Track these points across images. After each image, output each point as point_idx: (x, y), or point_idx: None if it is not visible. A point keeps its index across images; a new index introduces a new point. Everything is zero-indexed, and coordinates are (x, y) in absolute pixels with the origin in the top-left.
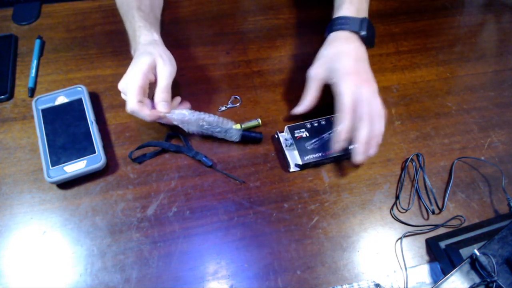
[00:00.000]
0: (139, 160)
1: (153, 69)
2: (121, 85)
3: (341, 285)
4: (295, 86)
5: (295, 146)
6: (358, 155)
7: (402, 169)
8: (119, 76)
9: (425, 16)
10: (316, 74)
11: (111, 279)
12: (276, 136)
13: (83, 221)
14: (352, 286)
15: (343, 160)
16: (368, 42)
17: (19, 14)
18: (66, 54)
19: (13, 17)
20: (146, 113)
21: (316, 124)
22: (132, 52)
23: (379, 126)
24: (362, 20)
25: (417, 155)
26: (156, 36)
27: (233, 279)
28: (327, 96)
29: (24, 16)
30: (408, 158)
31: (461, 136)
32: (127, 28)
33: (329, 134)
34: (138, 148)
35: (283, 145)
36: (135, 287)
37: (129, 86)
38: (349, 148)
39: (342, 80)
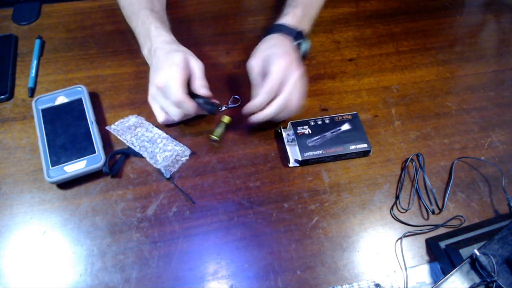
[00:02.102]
0: (114, 171)
1: (187, 65)
2: (160, 81)
3: (341, 285)
4: None
5: (296, 141)
6: (246, 110)
7: (402, 169)
8: (119, 76)
9: (425, 16)
10: (254, 64)
11: (111, 279)
12: (279, 131)
13: (83, 221)
14: (352, 286)
15: (343, 159)
16: (302, 52)
17: (19, 14)
18: (66, 54)
19: (13, 17)
20: (191, 104)
21: (320, 122)
22: (146, 52)
23: (287, 112)
24: (299, 32)
25: (417, 155)
26: (172, 36)
27: (233, 279)
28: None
29: (24, 16)
30: (408, 158)
31: (461, 136)
32: (136, 27)
33: (332, 133)
34: (110, 158)
35: (285, 140)
36: (135, 287)
37: (172, 80)
38: (351, 148)
39: (274, 62)
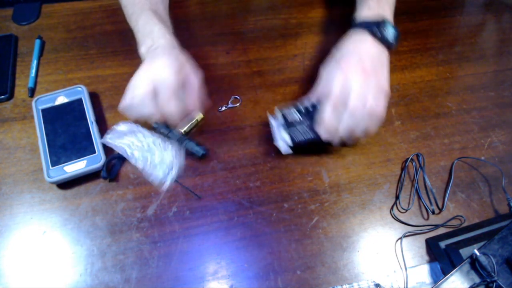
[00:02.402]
0: (112, 175)
1: (182, 74)
2: (151, 79)
3: (341, 285)
4: (295, 86)
5: (286, 128)
6: (335, 142)
7: (402, 169)
8: (119, 76)
9: (425, 16)
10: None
11: (111, 279)
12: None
13: (83, 221)
14: (352, 286)
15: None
16: (390, 40)
17: (19, 14)
18: (66, 54)
19: (13, 17)
20: (173, 108)
21: (308, 105)
22: (144, 49)
23: (368, 124)
24: (380, 22)
25: (417, 155)
26: (174, 38)
27: (233, 279)
28: None
29: (24, 16)
30: (408, 158)
31: (461, 136)
32: (136, 26)
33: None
34: (108, 162)
35: (275, 128)
36: (135, 287)
37: (165, 82)
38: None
39: (336, 67)
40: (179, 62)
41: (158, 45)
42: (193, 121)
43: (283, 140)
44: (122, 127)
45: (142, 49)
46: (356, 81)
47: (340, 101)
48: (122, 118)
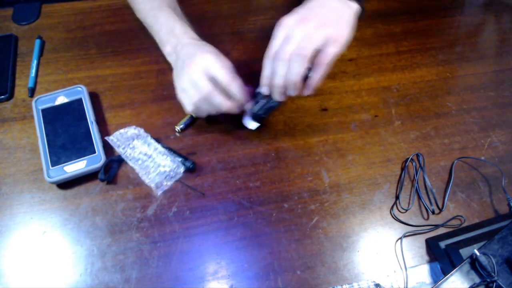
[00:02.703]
0: (109, 178)
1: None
2: (200, 64)
3: (341, 285)
4: None
5: (249, 116)
6: (275, 95)
7: (402, 169)
8: (119, 76)
9: (425, 16)
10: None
11: (111, 279)
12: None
13: (83, 221)
14: (352, 286)
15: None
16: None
17: (19, 14)
18: (66, 54)
19: (13, 17)
20: (239, 86)
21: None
22: (169, 49)
23: (294, 69)
24: None
25: (417, 155)
26: (198, 37)
27: (233, 279)
28: (330, 100)
29: (24, 16)
30: (408, 158)
31: (461, 136)
32: (155, 24)
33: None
34: (106, 165)
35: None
36: (135, 287)
37: (212, 63)
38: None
39: (285, 19)
40: (212, 48)
41: (185, 42)
42: (187, 117)
43: (246, 120)
44: (126, 130)
45: (167, 49)
46: (297, 30)
47: (276, 51)
48: (122, 118)
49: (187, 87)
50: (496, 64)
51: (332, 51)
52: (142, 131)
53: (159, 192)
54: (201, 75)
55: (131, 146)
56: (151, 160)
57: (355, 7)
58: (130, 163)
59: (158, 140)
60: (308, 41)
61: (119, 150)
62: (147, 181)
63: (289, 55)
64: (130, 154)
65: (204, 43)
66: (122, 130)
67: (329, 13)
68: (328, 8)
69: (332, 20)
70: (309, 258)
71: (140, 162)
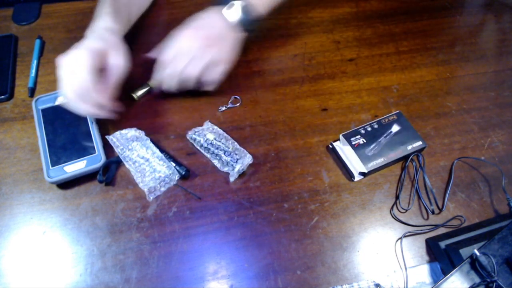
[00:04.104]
0: (108, 179)
1: (102, 57)
2: (66, 61)
3: (341, 285)
4: (295, 86)
5: (356, 154)
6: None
7: (402, 169)
8: None
9: (425, 16)
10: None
11: (111, 279)
12: (331, 146)
13: (83, 221)
14: (352, 286)
15: (401, 161)
16: (239, 20)
17: (19, 14)
18: None
19: (13, 17)
20: (99, 96)
21: (369, 129)
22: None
23: (181, 84)
24: (234, 2)
25: (417, 155)
26: (117, 27)
27: (233, 279)
28: (330, 100)
29: (24, 16)
30: (408, 158)
31: (461, 136)
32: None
33: (385, 137)
34: (104, 166)
35: (342, 155)
36: (135, 287)
37: (79, 62)
38: (408, 148)
39: (177, 34)
40: (97, 44)
41: (92, 29)
42: (145, 86)
43: (353, 167)
44: (127, 131)
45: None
46: (187, 47)
47: (168, 63)
48: (122, 118)
49: (58, 78)
50: (496, 64)
51: (218, 70)
52: (142, 134)
53: (152, 197)
54: (66, 72)
55: (129, 147)
56: (148, 164)
57: (241, 34)
58: (127, 165)
59: (157, 143)
60: (197, 60)
61: (118, 151)
62: (141, 184)
63: (178, 73)
64: (128, 156)
65: (102, 35)
66: (123, 131)
67: (217, 34)
68: (217, 28)
69: (219, 41)
70: (309, 258)
71: (136, 164)
